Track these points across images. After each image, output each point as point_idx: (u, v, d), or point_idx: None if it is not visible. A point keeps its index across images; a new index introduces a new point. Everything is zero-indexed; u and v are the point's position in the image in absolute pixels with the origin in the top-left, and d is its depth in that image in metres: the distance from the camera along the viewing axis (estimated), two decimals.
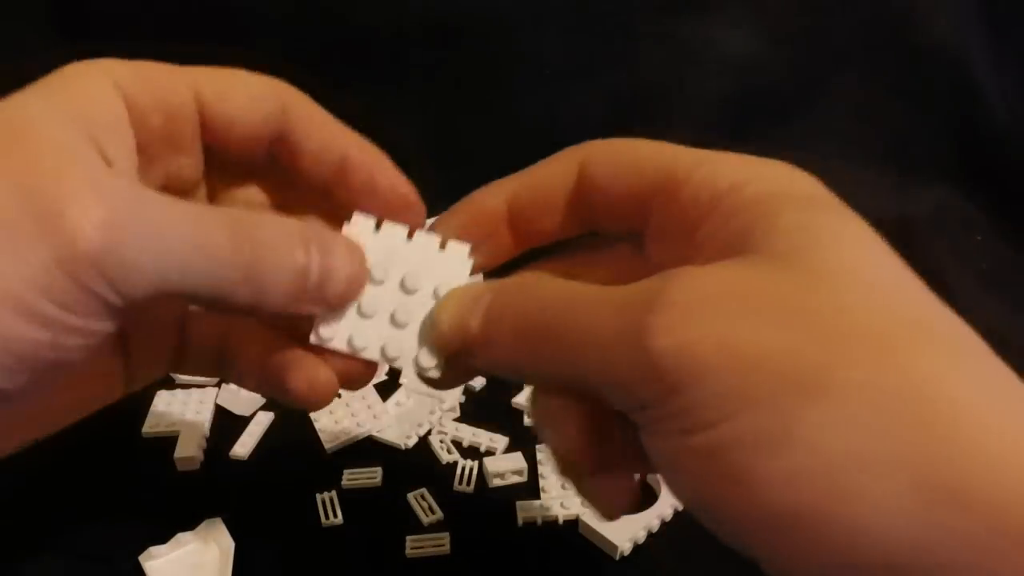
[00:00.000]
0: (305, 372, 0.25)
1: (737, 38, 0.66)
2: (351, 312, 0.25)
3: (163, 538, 0.38)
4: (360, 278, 0.25)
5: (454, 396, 0.48)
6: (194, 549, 0.39)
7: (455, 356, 0.24)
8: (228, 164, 0.27)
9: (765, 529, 0.17)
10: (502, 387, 0.49)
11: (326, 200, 0.28)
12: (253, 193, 0.28)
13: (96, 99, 0.23)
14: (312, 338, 0.25)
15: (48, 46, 0.68)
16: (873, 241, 0.19)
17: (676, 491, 0.20)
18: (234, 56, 0.74)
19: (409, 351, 0.26)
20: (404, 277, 0.26)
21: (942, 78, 0.68)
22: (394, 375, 0.51)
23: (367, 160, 0.29)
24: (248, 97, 0.27)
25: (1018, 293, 0.61)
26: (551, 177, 0.26)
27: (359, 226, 0.27)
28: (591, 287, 0.21)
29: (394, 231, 0.27)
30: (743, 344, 0.16)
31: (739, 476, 0.16)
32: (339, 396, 0.49)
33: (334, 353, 0.26)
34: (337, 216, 0.27)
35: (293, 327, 0.26)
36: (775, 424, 0.16)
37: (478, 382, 0.50)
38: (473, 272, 0.27)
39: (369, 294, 0.26)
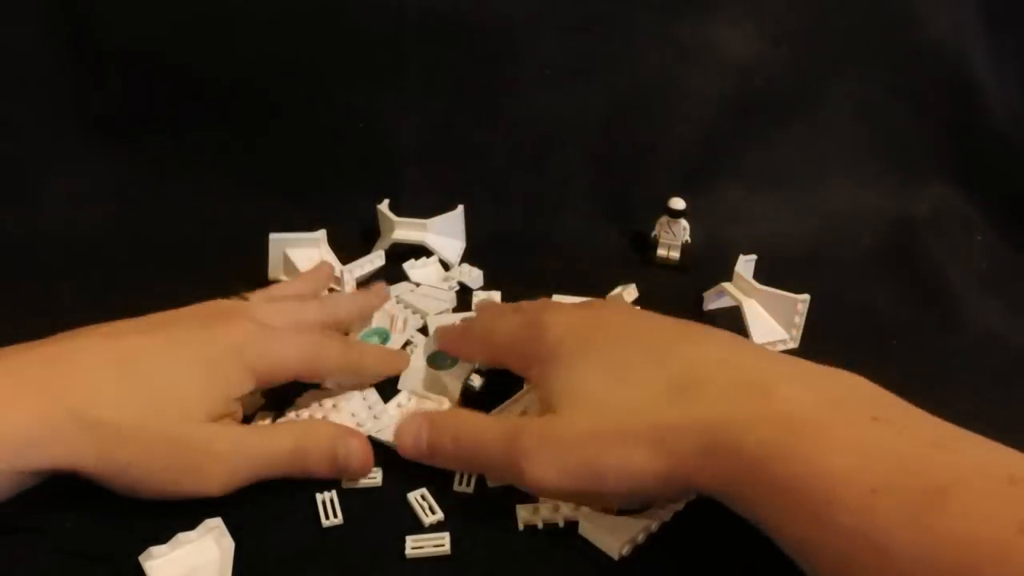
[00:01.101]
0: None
1: (737, 38, 0.66)
2: None
3: (163, 538, 0.38)
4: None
5: (455, 398, 0.48)
6: (194, 549, 0.39)
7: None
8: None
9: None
10: (502, 387, 0.49)
11: None
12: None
13: (239, 382, 0.42)
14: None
15: (48, 47, 0.68)
16: (593, 367, 0.40)
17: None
18: (234, 56, 0.74)
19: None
20: None
21: (942, 78, 0.68)
22: (393, 378, 0.51)
23: None
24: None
25: (1018, 293, 0.61)
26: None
27: None
28: (483, 423, 0.41)
29: None
30: (557, 478, 0.37)
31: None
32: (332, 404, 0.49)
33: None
34: None
35: None
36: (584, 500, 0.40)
37: (477, 382, 0.50)
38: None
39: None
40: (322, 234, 0.61)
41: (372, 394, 0.48)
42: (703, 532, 0.40)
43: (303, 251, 0.58)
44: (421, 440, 0.40)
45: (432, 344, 0.52)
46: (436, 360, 0.51)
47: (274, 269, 0.58)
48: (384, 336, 0.54)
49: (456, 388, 0.48)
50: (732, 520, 0.41)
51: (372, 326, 0.55)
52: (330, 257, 0.60)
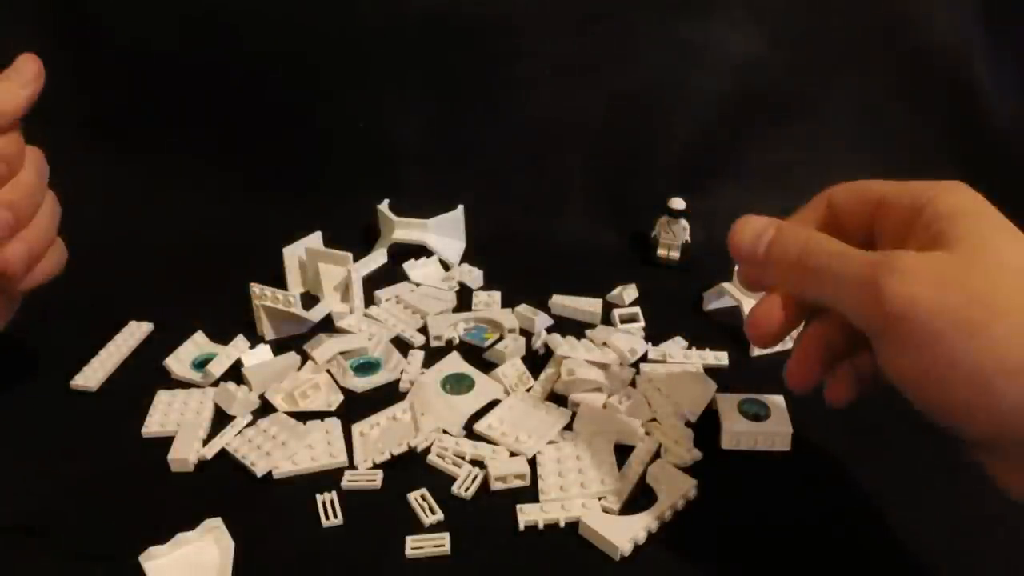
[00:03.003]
0: None
1: (737, 38, 0.66)
2: None
3: (163, 538, 0.38)
4: None
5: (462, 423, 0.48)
6: (194, 549, 0.39)
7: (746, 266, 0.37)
8: None
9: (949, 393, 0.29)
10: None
11: None
12: None
13: None
14: None
15: (48, 47, 0.68)
16: (1015, 240, 0.31)
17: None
18: (234, 56, 0.74)
19: None
20: None
21: (942, 78, 0.68)
22: (391, 386, 0.51)
23: None
24: None
25: None
26: (814, 208, 0.37)
27: None
28: (839, 243, 0.33)
29: None
30: (937, 302, 0.28)
31: (927, 373, 0.29)
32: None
33: None
34: None
35: None
36: (956, 343, 0.28)
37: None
38: None
39: None
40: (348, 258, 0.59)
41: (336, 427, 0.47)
42: (703, 532, 0.40)
43: (331, 267, 0.58)
44: (761, 241, 0.35)
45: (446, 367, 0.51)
46: (449, 384, 0.50)
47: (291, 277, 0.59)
48: (376, 366, 0.52)
49: (468, 412, 0.48)
50: (732, 520, 0.41)
51: (365, 356, 0.52)
52: (356, 276, 0.58)
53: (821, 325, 0.35)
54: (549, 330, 0.55)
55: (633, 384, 0.50)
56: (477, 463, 0.44)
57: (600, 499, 0.41)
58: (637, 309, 0.58)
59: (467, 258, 0.65)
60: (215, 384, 0.50)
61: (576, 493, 0.41)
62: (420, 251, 0.64)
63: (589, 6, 0.66)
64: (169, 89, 0.69)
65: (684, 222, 0.63)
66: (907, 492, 0.42)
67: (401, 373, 0.51)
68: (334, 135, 0.70)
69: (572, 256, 0.65)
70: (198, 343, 0.54)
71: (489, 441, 0.46)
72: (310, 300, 0.57)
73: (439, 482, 0.43)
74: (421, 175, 0.70)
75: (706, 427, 0.46)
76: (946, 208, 0.32)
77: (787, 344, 0.54)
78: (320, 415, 0.48)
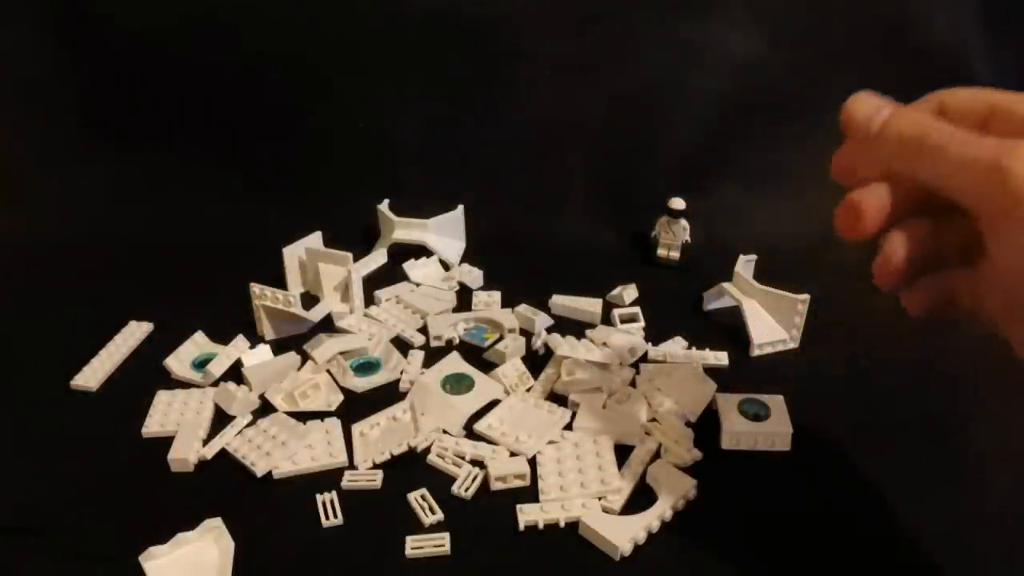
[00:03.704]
0: None
1: (737, 38, 0.66)
2: None
3: (163, 538, 0.38)
4: None
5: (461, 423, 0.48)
6: (194, 549, 0.39)
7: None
8: None
9: None
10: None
11: None
12: None
13: None
14: None
15: (48, 47, 0.68)
16: None
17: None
18: (234, 57, 0.74)
19: None
20: None
21: (942, 78, 0.68)
22: (391, 386, 0.51)
23: None
24: None
25: None
26: (924, 106, 0.35)
27: None
28: (958, 128, 0.31)
29: None
30: None
31: None
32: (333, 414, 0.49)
33: None
34: None
35: None
36: None
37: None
38: None
39: None
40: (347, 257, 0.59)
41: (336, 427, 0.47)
42: (703, 532, 0.40)
43: (331, 267, 0.58)
44: (878, 116, 0.34)
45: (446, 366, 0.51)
46: (449, 384, 0.50)
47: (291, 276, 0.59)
48: (376, 366, 0.52)
49: (468, 412, 0.48)
50: (732, 520, 0.41)
51: (365, 356, 0.52)
52: (356, 276, 0.58)
53: (911, 225, 0.34)
54: (549, 330, 0.55)
55: (633, 384, 0.50)
56: (477, 463, 0.44)
57: (600, 499, 0.41)
58: (637, 309, 0.58)
59: (467, 258, 0.65)
60: (215, 384, 0.50)
61: (576, 493, 0.41)
62: (420, 251, 0.64)
63: (589, 6, 0.66)
64: (169, 89, 0.69)
65: (684, 222, 0.63)
66: (907, 491, 0.42)
67: (401, 373, 0.51)
68: (334, 135, 0.70)
69: (572, 256, 0.66)
70: (198, 343, 0.54)
71: (489, 441, 0.46)
72: (310, 300, 0.57)
73: (439, 482, 0.43)
74: (421, 175, 0.70)
75: (706, 427, 0.46)
76: None
77: (788, 344, 0.54)
78: (320, 415, 0.48)
